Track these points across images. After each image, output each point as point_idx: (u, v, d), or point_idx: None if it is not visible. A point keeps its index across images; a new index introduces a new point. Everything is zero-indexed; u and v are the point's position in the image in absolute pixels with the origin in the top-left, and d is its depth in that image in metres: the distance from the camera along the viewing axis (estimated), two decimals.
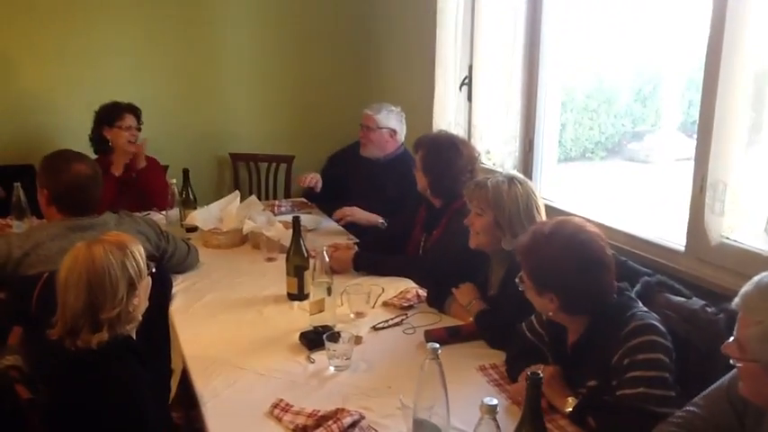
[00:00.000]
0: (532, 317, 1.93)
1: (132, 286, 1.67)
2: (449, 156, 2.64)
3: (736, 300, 1.32)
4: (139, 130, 3.53)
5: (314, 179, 3.51)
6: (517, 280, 1.80)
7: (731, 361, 1.32)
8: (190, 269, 2.70)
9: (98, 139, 3.43)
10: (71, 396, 1.61)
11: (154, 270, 1.80)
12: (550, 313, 1.75)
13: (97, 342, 1.61)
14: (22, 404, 1.59)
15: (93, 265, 1.61)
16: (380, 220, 3.16)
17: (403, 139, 3.37)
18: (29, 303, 2.10)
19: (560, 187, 3.15)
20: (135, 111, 3.53)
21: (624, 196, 3.23)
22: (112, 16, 4.03)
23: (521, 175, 2.25)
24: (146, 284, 1.74)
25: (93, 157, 3.26)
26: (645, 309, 1.70)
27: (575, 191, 3.19)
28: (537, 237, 1.74)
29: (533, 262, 1.73)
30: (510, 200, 2.14)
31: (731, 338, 1.32)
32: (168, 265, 2.56)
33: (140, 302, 1.72)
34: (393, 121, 3.32)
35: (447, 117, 3.57)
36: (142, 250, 1.74)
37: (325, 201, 3.62)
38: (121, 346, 1.65)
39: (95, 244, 1.66)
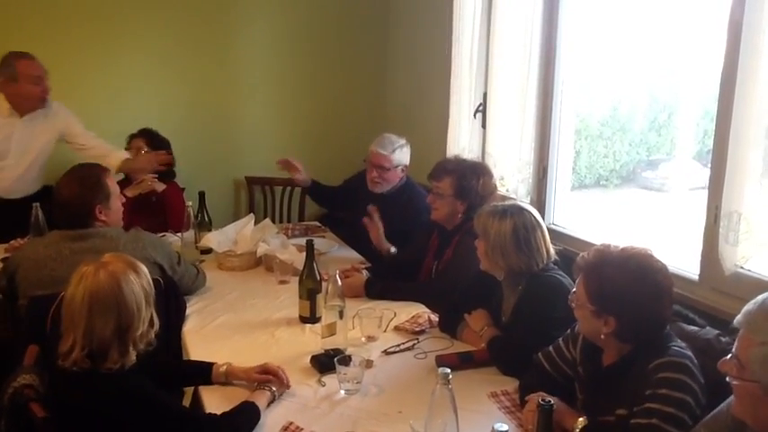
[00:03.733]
0: (559, 343, 1.91)
1: (149, 305, 1.72)
2: (485, 179, 2.68)
3: (739, 317, 1.31)
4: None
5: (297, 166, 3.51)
6: (570, 296, 1.78)
7: (728, 378, 1.31)
8: (193, 293, 2.68)
9: None
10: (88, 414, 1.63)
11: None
12: (602, 336, 1.70)
13: (128, 362, 1.66)
14: (36, 422, 1.60)
15: (120, 287, 1.64)
16: (392, 249, 3.08)
17: None
18: (44, 323, 2.13)
19: (574, 214, 3.15)
20: (145, 134, 3.59)
21: (638, 224, 3.22)
22: (131, 44, 4.11)
23: (523, 206, 2.23)
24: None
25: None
26: (683, 345, 1.67)
27: (589, 218, 3.18)
28: (606, 257, 1.70)
29: (599, 282, 1.68)
30: (495, 233, 2.15)
31: (729, 356, 1.31)
32: (182, 272, 2.57)
33: (155, 320, 1.75)
34: (405, 157, 3.29)
35: (461, 144, 3.58)
36: (147, 271, 1.77)
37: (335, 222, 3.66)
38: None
39: (110, 266, 1.68)
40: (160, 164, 3.36)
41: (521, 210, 2.19)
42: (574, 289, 1.78)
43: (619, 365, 1.71)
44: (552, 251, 2.18)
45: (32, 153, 3.30)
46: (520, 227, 2.13)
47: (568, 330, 1.91)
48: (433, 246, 2.84)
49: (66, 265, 2.15)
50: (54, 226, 2.64)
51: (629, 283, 1.65)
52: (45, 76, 3.21)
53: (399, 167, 3.28)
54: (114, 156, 3.36)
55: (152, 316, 1.73)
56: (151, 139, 3.63)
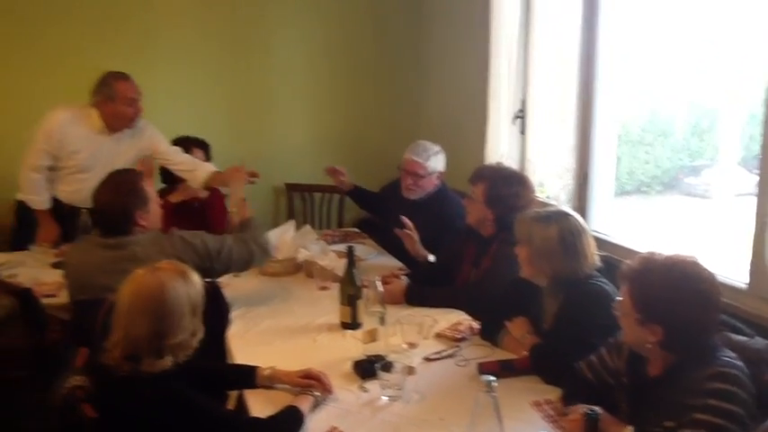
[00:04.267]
0: (602, 352, 1.89)
1: (194, 314, 1.73)
2: (517, 190, 2.65)
3: None
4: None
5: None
6: (615, 304, 1.76)
7: None
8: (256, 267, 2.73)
9: (165, 170, 3.56)
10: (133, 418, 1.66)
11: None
12: (648, 346, 1.68)
13: (161, 369, 1.67)
14: (87, 422, 1.64)
15: (162, 292, 1.67)
16: (430, 257, 3.05)
17: None
18: (89, 327, 2.18)
19: (616, 221, 3.11)
20: (203, 146, 3.69)
21: (682, 232, 3.16)
22: (172, 54, 4.23)
23: (567, 211, 2.22)
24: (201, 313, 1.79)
25: (160, 186, 3.47)
26: (732, 354, 1.64)
27: (630, 225, 3.14)
28: (651, 265, 1.68)
29: (645, 291, 1.66)
30: (540, 238, 2.13)
31: None
32: (225, 260, 2.47)
33: (198, 331, 1.77)
34: (440, 164, 3.28)
35: (500, 150, 3.57)
36: (200, 280, 1.79)
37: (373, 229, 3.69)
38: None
39: (160, 271, 1.71)
40: (251, 176, 3.36)
41: (566, 215, 2.17)
42: (619, 297, 1.77)
43: (665, 376, 1.68)
44: (597, 258, 2.16)
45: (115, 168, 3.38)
46: (566, 231, 2.11)
47: (612, 339, 1.89)
48: (469, 253, 2.84)
49: (107, 274, 2.19)
50: None
51: (675, 291, 1.63)
52: (139, 98, 3.29)
53: (434, 174, 3.28)
54: (202, 169, 3.43)
55: (196, 326, 1.75)
56: (206, 149, 3.72)
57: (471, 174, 2.79)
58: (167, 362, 1.68)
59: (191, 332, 1.73)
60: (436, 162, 3.27)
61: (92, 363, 1.82)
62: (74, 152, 3.28)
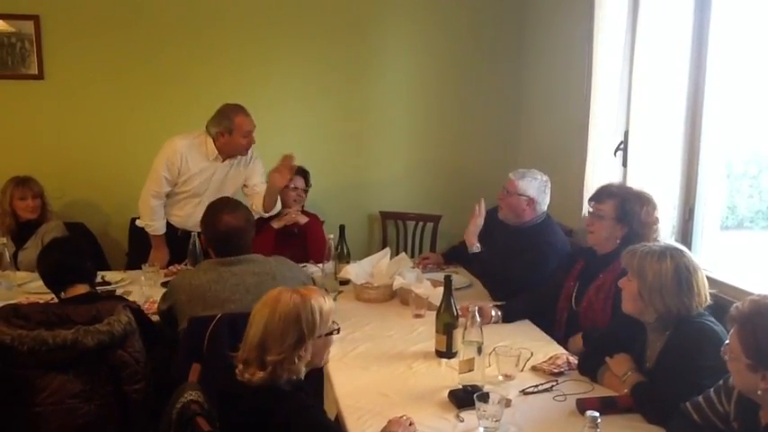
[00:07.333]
0: (710, 394, 1.83)
1: (301, 339, 1.78)
2: (648, 208, 2.64)
3: None
4: (306, 191, 3.87)
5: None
6: (723, 348, 1.71)
7: None
8: None
9: None
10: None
11: (338, 330, 1.94)
12: (759, 392, 1.62)
13: (258, 380, 1.74)
14: None
15: (275, 309, 1.77)
16: (476, 246, 3.25)
17: (545, 208, 3.25)
18: (201, 343, 2.31)
19: (723, 258, 2.98)
20: (303, 173, 3.87)
21: None
22: (279, 90, 4.47)
23: (680, 247, 2.16)
24: (322, 342, 1.86)
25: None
26: None
27: (733, 262, 3.00)
28: (762, 308, 1.63)
29: (755, 335, 1.62)
30: (653, 273, 2.07)
31: None
32: None
33: (307, 356, 1.81)
34: (533, 190, 3.20)
35: (599, 181, 3.51)
36: (326, 307, 1.85)
37: (466, 260, 3.68)
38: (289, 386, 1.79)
39: (286, 291, 1.82)
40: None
41: (681, 251, 2.12)
42: (727, 341, 1.71)
43: None
44: (708, 295, 2.10)
45: (227, 194, 3.57)
46: (682, 268, 2.06)
47: (721, 382, 1.82)
48: (576, 269, 2.83)
49: (228, 286, 2.47)
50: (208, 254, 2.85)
51: None
52: (254, 129, 3.48)
53: (524, 198, 3.21)
54: (261, 191, 3.62)
55: (303, 350, 1.80)
56: (306, 176, 3.90)
57: (594, 193, 2.80)
58: (264, 376, 1.75)
59: (297, 355, 1.78)
60: (528, 185, 3.20)
61: (205, 377, 1.92)
62: (190, 178, 3.49)
